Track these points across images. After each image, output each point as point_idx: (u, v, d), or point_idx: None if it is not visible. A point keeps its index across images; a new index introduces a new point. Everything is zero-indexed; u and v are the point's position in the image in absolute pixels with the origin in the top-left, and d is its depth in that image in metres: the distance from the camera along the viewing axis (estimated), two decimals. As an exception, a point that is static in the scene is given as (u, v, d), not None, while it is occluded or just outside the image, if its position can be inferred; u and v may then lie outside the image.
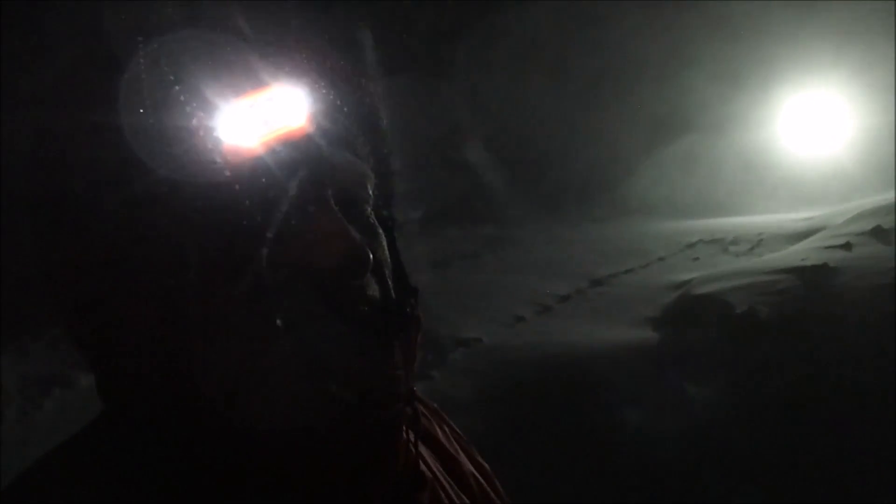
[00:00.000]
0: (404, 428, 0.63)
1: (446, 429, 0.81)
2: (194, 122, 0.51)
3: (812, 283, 4.59)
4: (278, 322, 0.52)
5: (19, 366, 5.13)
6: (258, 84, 0.54)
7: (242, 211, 0.52)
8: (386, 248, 0.63)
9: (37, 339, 5.31)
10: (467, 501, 0.75)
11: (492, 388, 4.26)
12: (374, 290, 0.58)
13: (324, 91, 0.58)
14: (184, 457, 0.55)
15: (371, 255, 0.56)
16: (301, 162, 0.55)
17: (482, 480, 0.80)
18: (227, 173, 0.52)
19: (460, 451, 0.80)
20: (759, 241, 7.39)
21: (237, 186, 0.52)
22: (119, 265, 0.53)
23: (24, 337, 5.32)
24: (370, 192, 0.62)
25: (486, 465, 0.84)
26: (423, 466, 0.68)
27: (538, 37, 10.59)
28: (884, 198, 7.04)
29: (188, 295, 0.52)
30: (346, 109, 0.61)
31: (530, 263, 7.73)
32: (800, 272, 4.80)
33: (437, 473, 0.72)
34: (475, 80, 10.34)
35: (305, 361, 0.53)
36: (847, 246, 5.37)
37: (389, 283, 0.61)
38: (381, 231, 0.63)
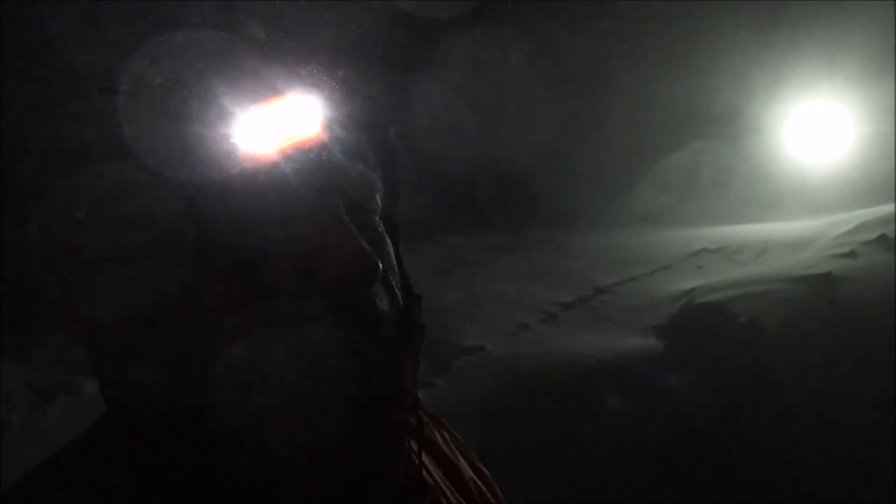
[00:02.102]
0: (408, 436, 0.63)
1: (446, 435, 0.82)
2: (209, 128, 0.52)
3: (817, 292, 4.58)
4: (286, 330, 0.53)
5: (24, 372, 5.14)
6: (273, 92, 0.55)
7: (254, 218, 0.53)
8: (393, 257, 0.63)
9: (41, 346, 5.32)
10: None
11: (495, 396, 4.25)
12: (382, 299, 0.58)
13: (336, 99, 0.59)
14: (187, 460, 0.55)
15: (380, 265, 0.56)
16: (313, 170, 0.55)
17: (482, 487, 0.80)
18: (241, 180, 0.52)
19: (460, 458, 0.80)
20: (763, 250, 7.38)
21: (250, 193, 0.52)
22: (129, 269, 0.53)
23: (29, 344, 5.33)
24: (378, 203, 0.62)
25: (486, 472, 0.84)
26: (424, 474, 0.68)
27: (543, 42, 10.62)
28: (888, 207, 7.03)
29: (197, 300, 0.53)
30: (356, 118, 0.61)
31: (534, 271, 7.73)
32: (804, 281, 4.79)
33: (439, 480, 0.72)
34: (479, 85, 10.36)
35: (313, 369, 0.53)
36: (852, 254, 5.37)
37: (397, 291, 0.62)
38: (388, 240, 0.63)
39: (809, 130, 10.34)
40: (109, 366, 0.58)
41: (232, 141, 0.52)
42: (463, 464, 0.79)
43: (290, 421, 0.53)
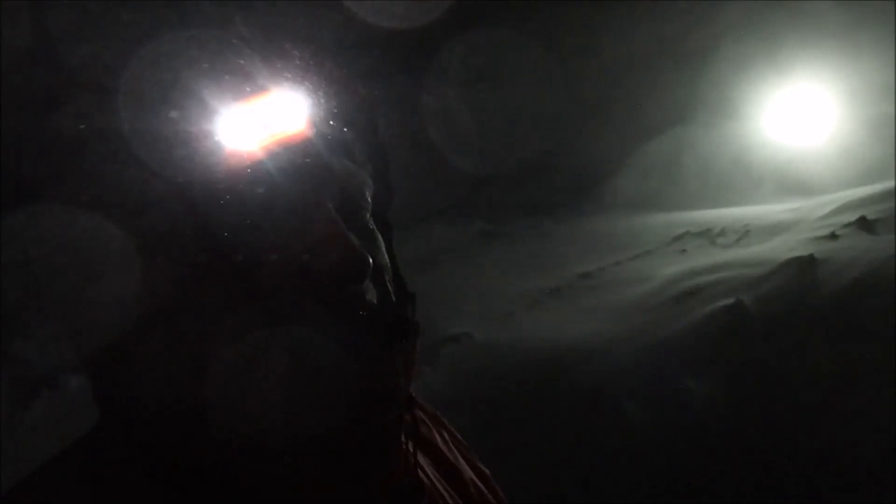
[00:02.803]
0: (403, 435, 0.63)
1: (445, 434, 0.81)
2: (195, 125, 0.51)
3: (799, 274, 4.63)
4: (282, 329, 0.53)
5: (8, 368, 5.10)
6: (258, 88, 0.54)
7: (242, 215, 0.52)
8: (385, 253, 0.63)
9: (26, 341, 5.27)
10: None
11: (482, 383, 4.27)
12: (373, 295, 0.58)
13: (323, 97, 0.59)
14: (185, 460, 0.55)
15: (370, 261, 0.56)
16: (301, 167, 0.55)
17: (482, 487, 0.79)
18: (228, 177, 0.52)
19: (460, 458, 0.79)
20: (745, 233, 7.43)
21: (237, 190, 0.52)
22: (127, 268, 0.53)
23: (13, 339, 5.28)
24: (369, 199, 0.62)
25: (487, 471, 0.83)
26: (421, 474, 0.67)
27: (525, 33, 10.59)
28: (868, 188, 7.10)
29: (188, 299, 0.52)
30: (344, 116, 0.61)
31: (519, 258, 7.75)
32: (787, 264, 4.84)
33: (436, 481, 0.72)
34: (462, 76, 10.34)
35: (304, 366, 0.53)
36: (833, 236, 5.42)
37: (389, 288, 0.61)
38: (379, 237, 0.62)
39: (790, 114, 10.41)
40: (106, 367, 0.57)
41: (217, 138, 0.52)
42: (462, 464, 0.79)
43: (282, 420, 0.53)
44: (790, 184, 9.53)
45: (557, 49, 10.63)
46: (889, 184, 6.74)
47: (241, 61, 0.54)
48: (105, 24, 0.55)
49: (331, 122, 0.59)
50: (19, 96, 0.57)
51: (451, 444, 0.80)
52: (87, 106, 0.54)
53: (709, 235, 7.72)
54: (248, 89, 0.54)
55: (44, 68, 0.56)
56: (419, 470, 0.67)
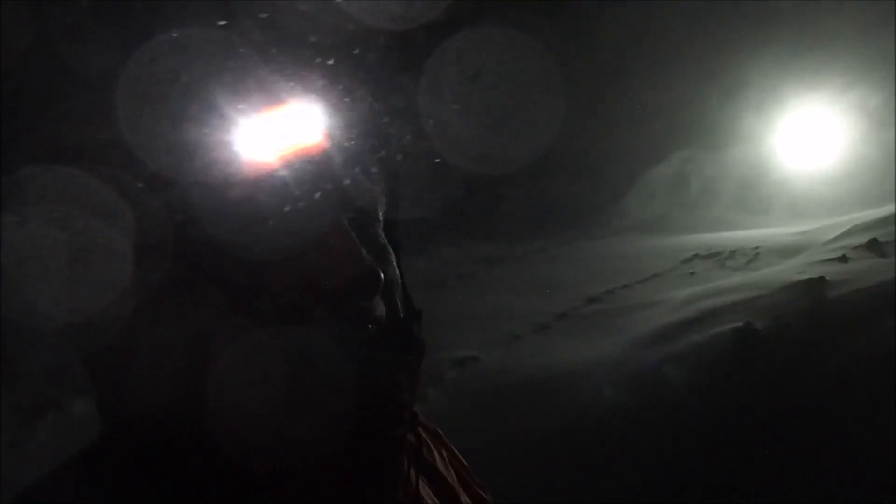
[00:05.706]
0: (405, 458, 0.62)
1: (444, 453, 0.80)
2: (213, 136, 0.52)
3: (809, 296, 4.59)
4: (284, 332, 0.53)
5: (12, 392, 5.09)
6: (276, 101, 0.55)
7: (257, 226, 0.52)
8: (395, 269, 0.63)
9: (31, 365, 5.27)
10: None
11: (488, 407, 4.23)
12: (381, 310, 0.58)
13: (338, 111, 0.59)
14: (185, 476, 0.54)
15: (382, 277, 0.56)
16: (315, 179, 0.55)
17: None
18: (244, 187, 0.52)
19: (456, 479, 0.79)
20: (755, 256, 7.40)
21: (253, 201, 0.52)
22: (123, 268, 0.53)
23: (18, 363, 5.28)
24: (381, 215, 0.62)
25: (486, 495, 0.83)
26: (423, 496, 0.67)
27: (531, 51, 10.67)
28: (878, 211, 7.08)
29: (199, 309, 0.52)
30: (358, 131, 0.61)
31: (526, 282, 7.74)
32: (796, 286, 4.80)
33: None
34: (471, 99, 10.40)
35: (311, 380, 0.53)
36: (843, 259, 5.39)
37: (398, 304, 0.61)
38: (391, 252, 0.63)
39: (798, 137, 10.42)
40: (107, 373, 0.57)
41: (235, 149, 0.53)
42: (458, 486, 0.78)
43: (286, 434, 0.53)
44: (799, 206, 9.51)
45: (562, 69, 10.68)
46: (901, 206, 6.71)
47: (258, 70, 0.55)
48: (105, 25, 0.55)
49: (346, 136, 0.60)
50: (18, 96, 0.58)
51: (448, 464, 0.79)
52: (85, 106, 0.54)
53: (718, 258, 7.69)
54: (266, 101, 0.54)
55: (43, 68, 0.57)
56: (420, 494, 0.66)
